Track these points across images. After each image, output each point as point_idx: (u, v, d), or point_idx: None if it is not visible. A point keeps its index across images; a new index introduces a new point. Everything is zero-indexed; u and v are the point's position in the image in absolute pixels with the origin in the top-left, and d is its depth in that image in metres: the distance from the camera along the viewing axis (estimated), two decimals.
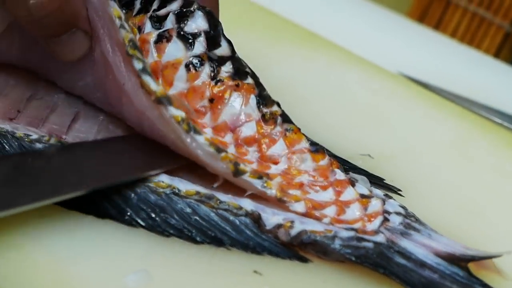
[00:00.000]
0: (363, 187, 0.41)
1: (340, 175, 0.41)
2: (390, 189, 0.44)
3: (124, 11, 0.43)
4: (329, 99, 0.54)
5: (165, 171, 0.40)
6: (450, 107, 0.58)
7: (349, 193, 0.40)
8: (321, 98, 0.54)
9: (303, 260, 0.37)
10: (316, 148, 0.41)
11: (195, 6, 0.42)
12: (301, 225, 0.38)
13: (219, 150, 0.38)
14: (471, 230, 0.42)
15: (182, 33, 0.42)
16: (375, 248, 0.37)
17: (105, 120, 0.44)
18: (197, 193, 0.39)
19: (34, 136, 0.41)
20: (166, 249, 0.37)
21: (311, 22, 0.67)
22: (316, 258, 0.38)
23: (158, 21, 0.43)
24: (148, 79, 0.39)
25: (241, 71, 0.42)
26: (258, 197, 0.39)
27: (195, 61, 0.41)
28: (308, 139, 0.42)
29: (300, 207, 0.38)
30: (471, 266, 0.37)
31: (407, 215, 0.40)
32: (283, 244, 0.38)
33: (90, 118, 0.44)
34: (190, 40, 0.42)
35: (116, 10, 0.40)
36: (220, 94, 0.41)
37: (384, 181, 0.44)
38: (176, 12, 0.42)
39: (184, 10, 0.42)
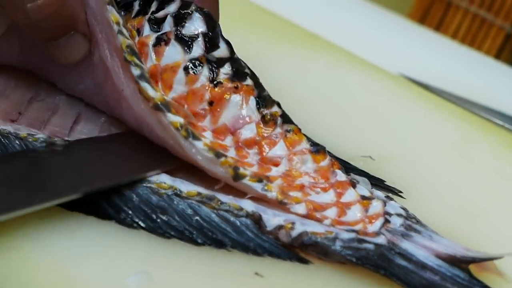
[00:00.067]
0: (364, 188, 0.41)
1: (341, 176, 0.41)
2: (391, 191, 0.44)
3: (123, 13, 0.43)
4: (329, 100, 0.54)
5: (167, 172, 0.40)
6: (451, 109, 0.58)
7: (350, 195, 0.40)
8: (321, 99, 0.54)
9: (304, 261, 0.37)
10: (317, 149, 0.41)
11: (193, 8, 0.42)
12: (302, 227, 0.38)
13: (218, 155, 0.38)
14: (472, 232, 0.42)
15: (180, 35, 0.42)
16: (376, 249, 0.37)
17: (107, 122, 0.44)
18: (198, 194, 0.39)
19: (37, 136, 0.41)
20: (167, 250, 0.37)
21: (311, 23, 0.67)
22: (317, 260, 0.38)
23: (156, 23, 0.42)
24: (146, 86, 0.39)
25: (240, 72, 0.42)
26: (259, 198, 0.39)
27: (193, 64, 0.41)
28: (308, 139, 0.42)
29: (301, 209, 0.38)
30: (472, 268, 0.37)
31: (408, 216, 0.40)
32: (284, 245, 0.38)
33: (92, 119, 0.44)
34: (188, 43, 0.42)
35: (114, 16, 0.40)
36: (219, 97, 0.41)
37: (385, 183, 0.44)
38: (173, 15, 0.42)
39: (182, 12, 0.42)
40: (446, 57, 0.71)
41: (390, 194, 0.43)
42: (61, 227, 0.36)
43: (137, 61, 0.39)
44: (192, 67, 0.41)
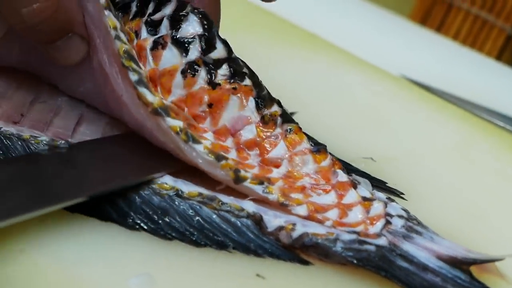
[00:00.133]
0: (365, 190, 0.41)
1: (342, 176, 0.41)
2: (392, 192, 0.44)
3: (120, 15, 0.42)
4: (330, 102, 0.54)
5: (169, 173, 0.40)
6: (452, 110, 0.58)
7: (351, 196, 0.40)
8: (322, 100, 0.54)
9: (305, 263, 0.37)
10: (318, 148, 0.41)
11: (189, 9, 0.42)
12: (303, 228, 0.38)
13: (218, 158, 0.38)
14: (473, 233, 0.42)
15: (176, 38, 0.41)
16: (377, 251, 0.37)
17: (109, 123, 0.44)
18: (200, 194, 0.39)
19: (41, 138, 0.41)
20: (169, 252, 0.37)
21: (312, 23, 0.67)
22: (318, 261, 0.38)
23: (153, 26, 0.42)
24: (144, 91, 0.39)
25: (238, 72, 0.42)
26: (260, 199, 0.39)
27: (190, 67, 0.41)
28: (309, 138, 0.42)
29: (302, 210, 0.38)
30: (473, 269, 0.37)
31: (409, 218, 0.40)
32: (285, 246, 0.38)
33: (95, 121, 0.44)
34: (185, 46, 0.41)
35: (111, 20, 0.40)
36: (218, 99, 0.41)
37: (386, 184, 0.44)
38: (169, 17, 0.42)
39: (178, 14, 0.42)
40: (447, 59, 0.71)
41: (391, 196, 0.43)
42: (63, 229, 0.36)
43: (134, 66, 0.39)
44: (190, 70, 0.41)
